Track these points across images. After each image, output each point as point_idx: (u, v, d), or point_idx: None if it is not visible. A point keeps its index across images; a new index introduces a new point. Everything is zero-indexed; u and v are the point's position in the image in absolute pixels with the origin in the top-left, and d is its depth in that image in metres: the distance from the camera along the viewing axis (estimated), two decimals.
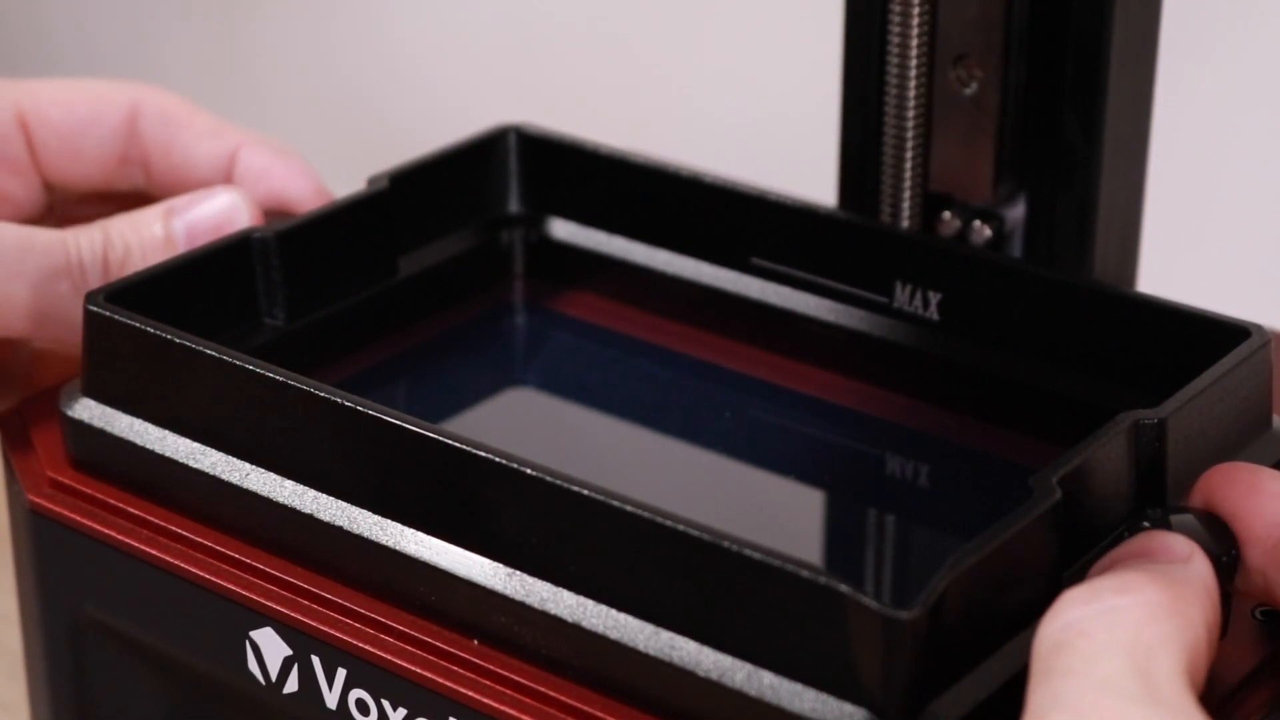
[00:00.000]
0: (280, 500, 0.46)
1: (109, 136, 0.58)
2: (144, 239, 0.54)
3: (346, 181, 0.59)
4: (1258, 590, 0.42)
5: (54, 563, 0.50)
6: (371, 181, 0.56)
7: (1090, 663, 0.37)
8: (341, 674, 0.45)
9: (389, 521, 0.45)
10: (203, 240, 0.54)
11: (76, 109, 0.58)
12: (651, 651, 0.41)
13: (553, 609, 0.43)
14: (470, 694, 0.43)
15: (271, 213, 0.57)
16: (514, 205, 0.59)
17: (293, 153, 0.58)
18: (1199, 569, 0.40)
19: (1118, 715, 0.36)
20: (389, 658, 0.44)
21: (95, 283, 0.53)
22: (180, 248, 0.54)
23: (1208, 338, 0.48)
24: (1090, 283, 0.51)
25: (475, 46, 1.07)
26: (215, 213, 0.54)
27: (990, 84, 0.53)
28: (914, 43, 0.53)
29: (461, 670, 0.44)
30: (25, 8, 1.26)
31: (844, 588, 0.39)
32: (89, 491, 0.49)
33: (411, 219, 0.56)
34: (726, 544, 0.40)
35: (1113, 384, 0.50)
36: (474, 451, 0.43)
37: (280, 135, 0.60)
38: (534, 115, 0.66)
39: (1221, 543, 0.42)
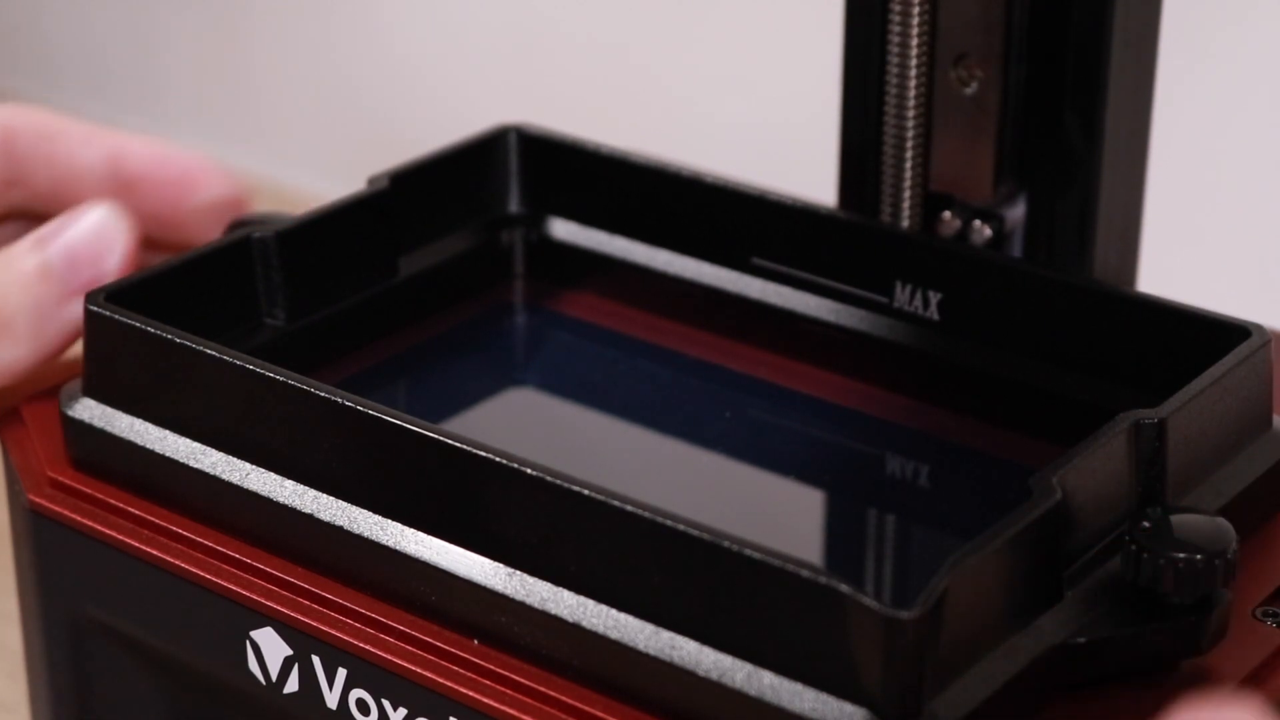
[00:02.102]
0: (280, 500, 0.46)
1: None
2: (15, 277, 0.52)
3: (346, 181, 0.59)
4: None
5: (54, 563, 0.50)
6: (371, 181, 0.56)
7: None
8: (342, 674, 0.45)
9: (389, 521, 0.45)
10: (86, 262, 0.53)
11: None
12: (651, 651, 0.41)
13: (553, 609, 0.43)
14: (470, 694, 0.43)
15: (166, 209, 0.56)
16: (514, 205, 0.59)
17: (171, 146, 0.57)
18: None
19: None
20: (389, 658, 0.44)
21: None
22: (58, 275, 0.52)
23: (1208, 338, 0.48)
24: (1090, 283, 0.51)
25: (475, 47, 1.07)
26: (88, 231, 0.53)
27: (990, 84, 0.53)
28: (914, 43, 0.53)
29: (461, 670, 0.44)
30: (26, 8, 1.26)
31: (844, 588, 0.39)
32: (89, 491, 0.49)
33: (411, 219, 0.56)
34: (726, 544, 0.40)
35: (1113, 384, 0.50)
36: (474, 451, 0.43)
37: (280, 135, 0.60)
38: (534, 115, 0.66)
39: (1218, 544, 0.42)
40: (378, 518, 0.45)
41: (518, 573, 0.43)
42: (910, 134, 0.54)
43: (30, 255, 0.52)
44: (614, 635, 0.42)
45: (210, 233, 0.57)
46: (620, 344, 0.56)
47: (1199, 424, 0.45)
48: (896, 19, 0.53)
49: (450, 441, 0.44)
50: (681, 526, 0.41)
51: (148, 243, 0.56)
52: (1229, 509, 0.45)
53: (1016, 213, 0.54)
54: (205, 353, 0.47)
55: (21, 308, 0.52)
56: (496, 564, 0.44)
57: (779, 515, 0.51)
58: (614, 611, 0.42)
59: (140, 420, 0.49)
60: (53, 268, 0.52)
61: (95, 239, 0.53)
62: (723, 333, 0.56)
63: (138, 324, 0.48)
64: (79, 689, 0.52)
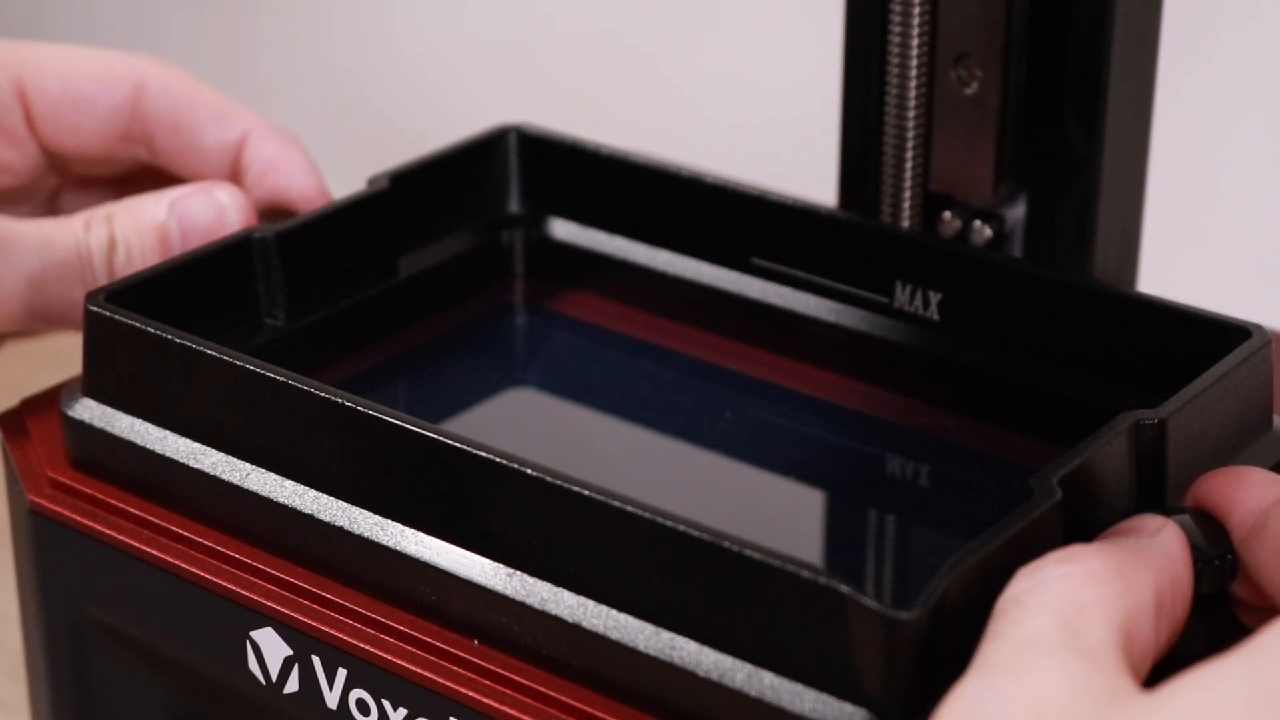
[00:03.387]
0: (280, 500, 0.46)
1: (109, 115, 0.57)
2: (144, 236, 0.54)
3: (346, 181, 0.59)
4: (1247, 579, 0.42)
5: (54, 563, 0.50)
6: (371, 181, 0.56)
7: (1017, 625, 0.37)
8: (342, 674, 0.45)
9: (389, 521, 0.45)
10: (195, 236, 0.54)
11: (78, 85, 0.57)
12: (651, 651, 0.41)
13: (553, 609, 0.43)
14: (470, 694, 0.43)
15: (273, 207, 0.57)
16: (514, 205, 0.59)
17: (296, 142, 0.58)
18: (1163, 540, 0.41)
19: (1031, 667, 0.36)
20: (389, 658, 0.44)
21: (102, 281, 0.53)
22: (174, 242, 0.54)
23: (1208, 338, 0.48)
24: (1090, 283, 0.51)
25: (475, 47, 1.07)
26: (211, 211, 0.54)
27: (990, 84, 0.53)
28: (914, 43, 0.53)
29: (461, 670, 0.44)
30: (26, 8, 1.26)
31: (844, 588, 0.39)
32: (89, 491, 0.49)
33: (412, 219, 0.56)
34: (726, 544, 0.40)
35: (1113, 384, 0.50)
36: (474, 451, 0.43)
37: None
38: (534, 115, 0.66)
39: (1218, 544, 0.42)
40: (378, 518, 0.45)
41: (518, 573, 0.43)
42: (910, 134, 0.54)
43: (160, 210, 0.54)
44: (614, 635, 0.42)
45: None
46: (620, 344, 0.56)
47: (1199, 424, 0.45)
48: (896, 19, 0.53)
49: (450, 441, 0.44)
50: (681, 526, 0.41)
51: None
52: None
53: (1016, 213, 0.54)
54: (205, 353, 0.47)
55: (138, 258, 0.54)
56: (496, 564, 0.44)
57: (779, 515, 0.51)
58: (614, 611, 0.42)
59: (140, 420, 0.49)
60: (171, 235, 0.54)
61: (213, 220, 0.54)
62: (723, 333, 0.56)
63: (138, 324, 0.48)
64: (79, 689, 0.52)
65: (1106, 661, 0.37)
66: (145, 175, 0.59)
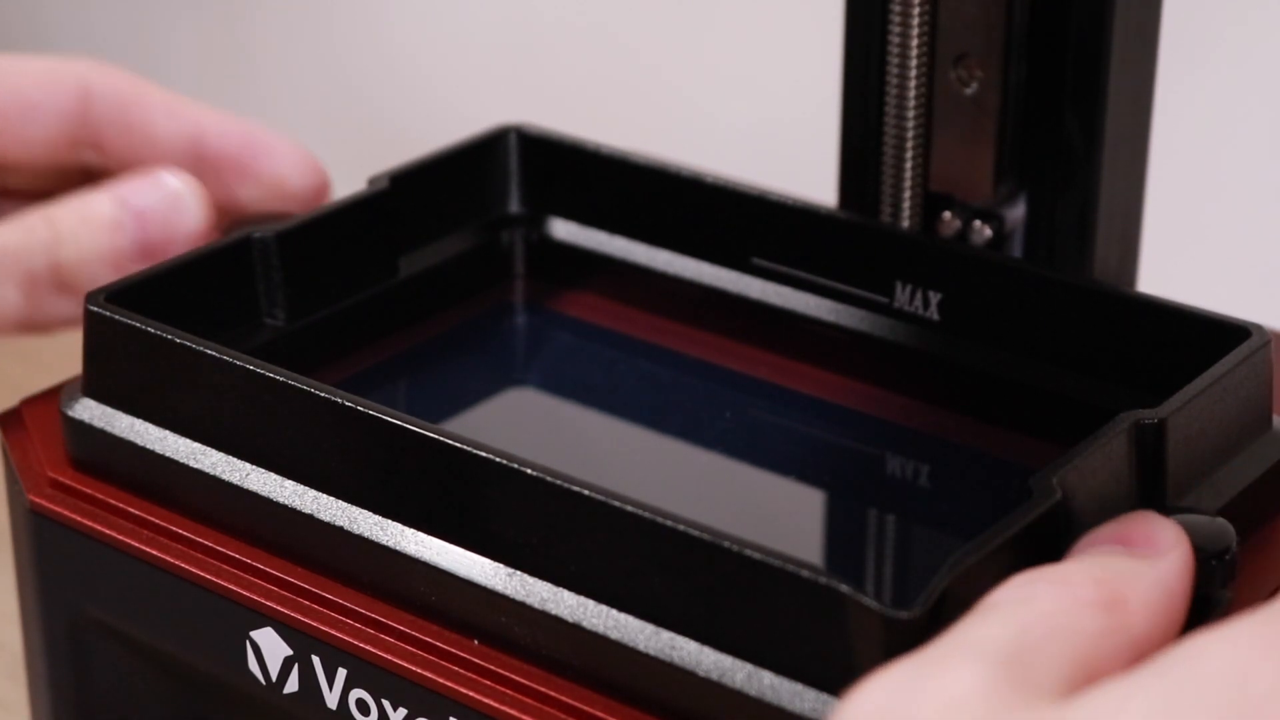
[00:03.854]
0: (280, 500, 0.46)
1: (55, 122, 0.56)
2: (94, 232, 0.53)
3: (346, 181, 0.59)
4: None
5: (54, 563, 0.50)
6: (372, 181, 0.56)
7: (974, 627, 0.37)
8: (342, 674, 0.45)
9: (389, 521, 0.45)
10: (155, 226, 0.53)
11: (22, 93, 0.56)
12: (651, 651, 0.41)
13: (553, 609, 0.43)
14: (470, 694, 0.43)
15: (276, 193, 0.57)
16: (514, 205, 0.59)
17: (256, 127, 0.57)
18: (1167, 569, 0.39)
19: (958, 667, 0.35)
20: (389, 658, 0.44)
21: (45, 282, 0.53)
22: (128, 233, 0.53)
23: (1208, 338, 0.48)
24: (1090, 283, 0.51)
25: (475, 47, 1.07)
26: (163, 199, 0.53)
27: (990, 84, 0.53)
28: (914, 43, 0.53)
29: (461, 670, 0.44)
30: (26, 8, 1.26)
31: (844, 588, 0.39)
32: (89, 491, 0.49)
33: (412, 219, 0.56)
34: (726, 544, 0.40)
35: (1113, 384, 0.50)
36: (474, 451, 0.43)
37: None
38: (534, 115, 0.66)
39: (1218, 544, 0.42)
40: (378, 518, 0.45)
41: (518, 573, 0.43)
42: (910, 134, 0.54)
43: (107, 205, 0.53)
44: (614, 635, 0.42)
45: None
46: (620, 344, 0.56)
47: (1199, 424, 0.45)
48: (896, 19, 0.53)
49: (450, 441, 0.44)
50: (681, 526, 0.41)
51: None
52: (1229, 509, 0.45)
53: (1016, 213, 0.54)
54: (205, 353, 0.47)
55: (89, 253, 0.53)
56: (496, 564, 0.44)
57: (779, 515, 0.51)
58: (614, 611, 0.42)
59: (140, 420, 0.49)
60: (125, 227, 0.53)
61: (168, 207, 0.53)
62: (723, 333, 0.56)
63: (138, 324, 0.48)
64: (79, 689, 0.52)
65: (1040, 686, 0.35)
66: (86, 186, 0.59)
